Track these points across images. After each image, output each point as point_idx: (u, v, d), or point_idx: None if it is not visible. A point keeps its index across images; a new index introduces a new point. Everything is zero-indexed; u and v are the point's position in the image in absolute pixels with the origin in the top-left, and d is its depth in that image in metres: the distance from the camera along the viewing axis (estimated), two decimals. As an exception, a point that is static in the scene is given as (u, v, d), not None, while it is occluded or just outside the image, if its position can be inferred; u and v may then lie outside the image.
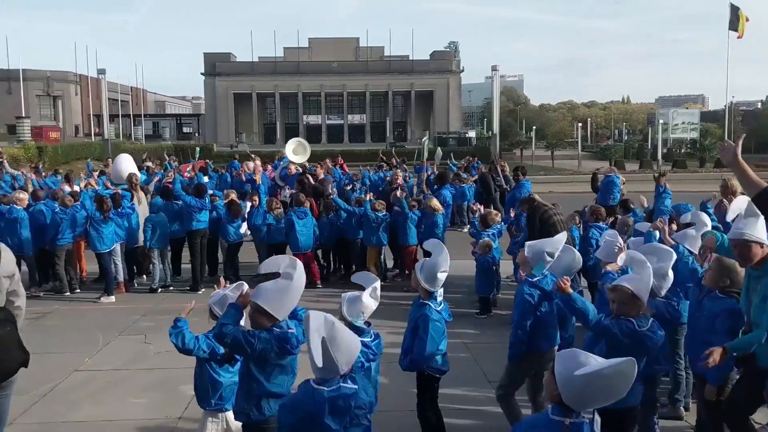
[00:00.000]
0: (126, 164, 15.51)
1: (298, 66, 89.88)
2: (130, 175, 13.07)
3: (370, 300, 4.80)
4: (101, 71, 49.19)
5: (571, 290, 4.80)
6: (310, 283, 11.35)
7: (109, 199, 11.45)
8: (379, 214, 11.93)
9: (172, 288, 12.12)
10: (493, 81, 41.46)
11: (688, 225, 6.45)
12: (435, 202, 11.94)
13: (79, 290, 11.92)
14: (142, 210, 12.64)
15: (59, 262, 11.69)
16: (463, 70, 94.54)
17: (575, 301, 4.76)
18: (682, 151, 66.46)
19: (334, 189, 16.53)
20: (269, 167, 21.40)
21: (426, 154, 15.97)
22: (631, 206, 10.49)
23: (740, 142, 4.47)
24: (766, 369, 4.36)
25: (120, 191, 12.42)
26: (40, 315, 10.38)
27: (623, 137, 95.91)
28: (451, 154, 29.03)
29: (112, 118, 72.94)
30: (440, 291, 5.46)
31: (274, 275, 4.38)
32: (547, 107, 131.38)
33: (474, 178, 21.18)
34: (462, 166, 24.39)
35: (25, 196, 12.10)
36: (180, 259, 12.80)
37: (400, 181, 14.04)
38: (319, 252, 13.00)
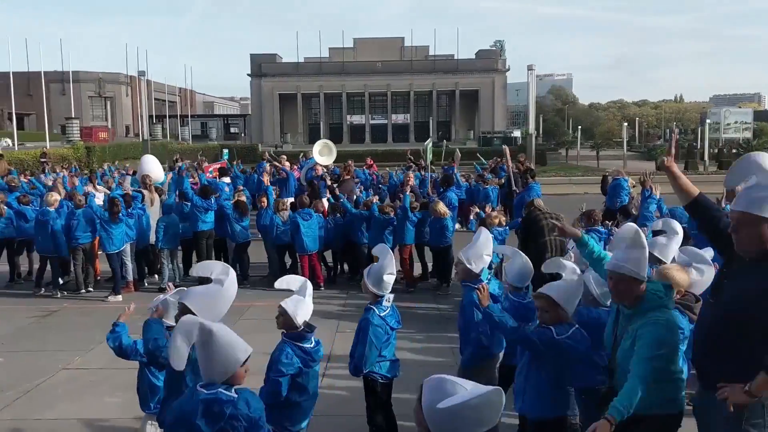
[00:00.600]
0: (150, 165, 15.81)
1: (343, 66, 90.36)
2: (143, 176, 13.35)
3: (390, 277, 5.27)
4: (141, 73, 50.43)
5: (488, 302, 4.73)
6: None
7: (119, 201, 11.70)
8: (385, 217, 11.93)
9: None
10: (529, 80, 41.01)
11: (660, 232, 6.28)
12: (441, 207, 11.85)
13: (92, 289, 12.23)
14: (155, 210, 12.89)
15: (76, 261, 12.02)
16: (508, 69, 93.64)
17: (492, 312, 4.69)
18: (733, 151, 64.57)
19: (357, 190, 16.62)
20: (295, 168, 21.62)
21: (430, 157, 15.86)
22: (633, 212, 10.24)
23: (673, 143, 4.33)
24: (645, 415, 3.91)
25: (131, 192, 12.70)
26: (47, 313, 10.69)
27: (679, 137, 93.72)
28: (478, 154, 28.75)
29: (160, 118, 74.64)
30: (389, 297, 5.44)
31: (207, 280, 4.46)
32: (596, 106, 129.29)
33: (501, 180, 20.96)
34: (489, 167, 24.19)
35: (55, 198, 12.37)
36: (191, 259, 13.02)
37: (411, 182, 13.98)
38: (328, 253, 13.07)
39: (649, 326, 3.82)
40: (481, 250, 5.47)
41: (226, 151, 23.01)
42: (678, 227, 6.19)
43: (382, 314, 5.32)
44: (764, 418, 3.60)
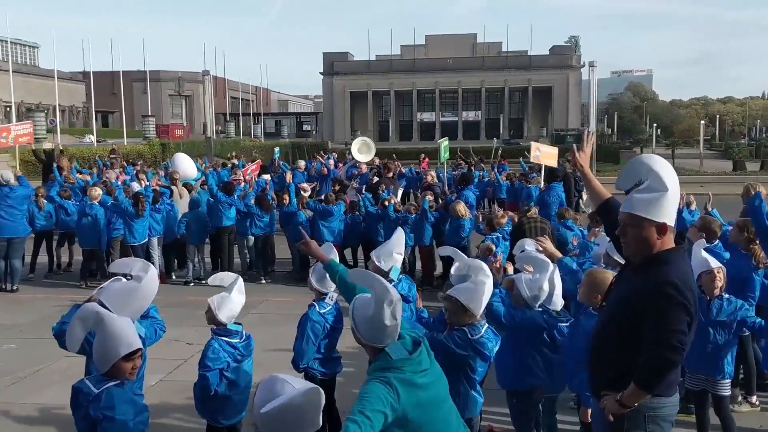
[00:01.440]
0: (181, 163, 16.34)
1: (414, 63, 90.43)
2: (171, 173, 13.83)
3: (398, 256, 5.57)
4: (205, 72, 51.82)
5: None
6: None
7: (143, 196, 12.14)
8: (399, 215, 11.95)
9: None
10: (591, 77, 39.93)
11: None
12: (461, 207, 11.75)
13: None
14: (183, 205, 13.32)
15: (113, 252, 12.55)
16: (583, 65, 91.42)
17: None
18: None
19: (399, 188, 16.68)
20: (340, 165, 21.88)
21: (446, 155, 15.68)
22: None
23: (586, 142, 4.22)
24: None
25: (159, 188, 13.16)
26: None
27: (761, 135, 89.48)
28: (526, 152, 28.23)
29: (233, 116, 76.61)
30: (333, 295, 5.50)
31: (125, 276, 4.61)
32: (678, 103, 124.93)
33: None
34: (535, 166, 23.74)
35: (98, 193, 12.88)
36: (219, 253, 13.37)
37: (430, 180, 13.90)
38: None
39: None
40: (391, 249, 5.55)
41: (277, 149, 23.39)
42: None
43: (322, 311, 5.38)
44: (645, 429, 3.50)
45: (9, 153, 34.37)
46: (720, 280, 5.41)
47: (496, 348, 4.48)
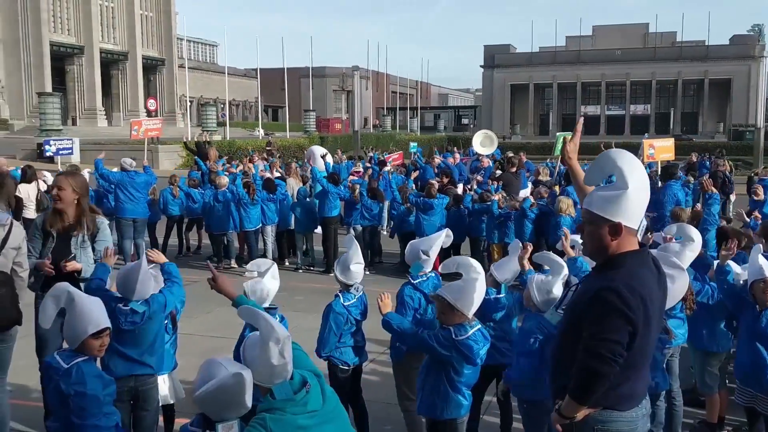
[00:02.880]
0: (315, 154, 16.88)
1: (579, 55, 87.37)
2: (288, 165, 14.37)
3: (357, 266, 5.44)
4: (355, 68, 53.16)
5: (388, 309, 4.60)
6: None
7: (254, 184, 12.74)
8: (502, 211, 11.67)
9: (313, 269, 13.15)
10: (762, 67, 36.42)
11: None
12: (563, 203, 11.24)
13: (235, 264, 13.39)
14: (298, 196, 13.83)
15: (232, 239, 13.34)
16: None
17: (391, 320, 4.55)
18: None
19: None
20: (466, 158, 21.68)
21: (559, 148, 14.88)
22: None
23: (577, 132, 3.94)
24: None
25: (273, 178, 13.74)
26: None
27: None
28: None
29: (390, 111, 78.11)
30: (359, 287, 5.51)
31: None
32: None
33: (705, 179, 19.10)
34: (691, 162, 22.10)
35: (225, 181, 13.66)
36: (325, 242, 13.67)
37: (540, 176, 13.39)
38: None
39: None
40: (418, 246, 5.42)
41: (414, 144, 23.61)
42: (695, 234, 5.46)
43: (346, 303, 5.40)
44: None
45: (174, 144, 37.31)
46: None
47: (483, 351, 4.27)
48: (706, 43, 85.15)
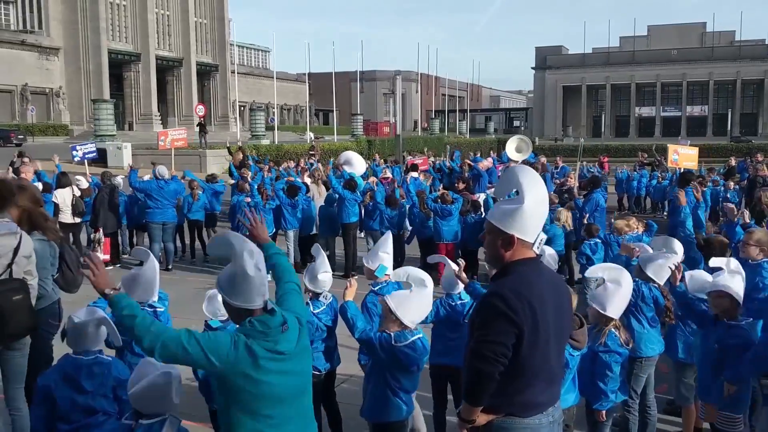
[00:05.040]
0: (351, 159, 17.03)
1: (633, 56, 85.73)
2: (314, 170, 14.66)
3: (324, 275, 5.60)
4: (397, 72, 53.30)
5: (351, 297, 4.76)
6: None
7: (265, 189, 13.13)
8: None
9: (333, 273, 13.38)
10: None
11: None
12: (561, 214, 11.24)
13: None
14: (320, 202, 14.12)
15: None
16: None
17: (348, 308, 4.71)
18: None
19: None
20: (498, 166, 21.62)
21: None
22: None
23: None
24: None
25: (294, 183, 14.03)
26: (210, 286, 12.41)
27: None
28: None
29: (438, 113, 78.03)
30: (327, 295, 5.70)
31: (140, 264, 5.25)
32: None
33: (743, 182, 18.62)
34: (730, 165, 21.57)
35: (247, 187, 14.13)
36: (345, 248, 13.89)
37: (570, 183, 13.34)
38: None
39: None
40: (377, 249, 5.62)
41: (448, 146, 23.71)
42: (678, 247, 5.49)
43: (315, 311, 5.59)
44: None
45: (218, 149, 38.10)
46: None
47: (422, 360, 4.43)
48: (767, 42, 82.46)
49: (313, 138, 54.18)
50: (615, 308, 4.84)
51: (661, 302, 5.42)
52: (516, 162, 18.60)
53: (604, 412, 4.84)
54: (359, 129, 59.05)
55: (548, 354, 3.32)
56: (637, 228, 8.70)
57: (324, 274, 5.60)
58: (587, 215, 11.71)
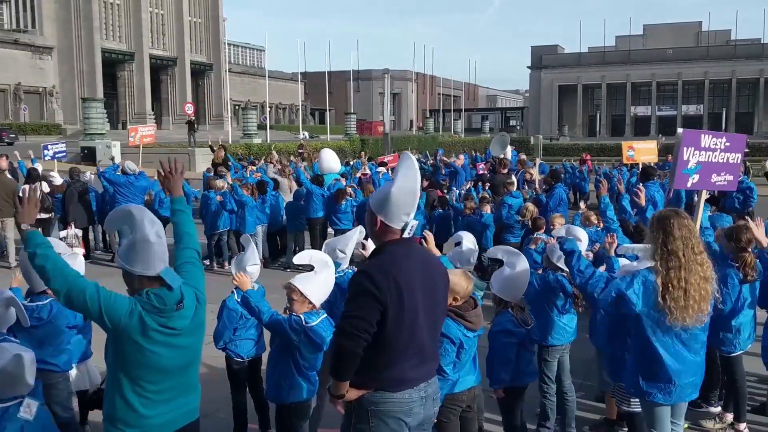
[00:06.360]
0: (325, 158, 17.15)
1: (629, 55, 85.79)
2: (283, 165, 14.77)
3: (253, 267, 5.52)
4: (386, 71, 53.35)
5: (247, 287, 4.85)
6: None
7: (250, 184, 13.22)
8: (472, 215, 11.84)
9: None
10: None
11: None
12: (528, 209, 11.31)
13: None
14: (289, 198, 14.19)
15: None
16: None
17: (249, 297, 4.80)
18: None
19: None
20: (480, 165, 21.76)
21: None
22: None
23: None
24: None
25: (264, 179, 14.12)
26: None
27: None
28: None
29: (432, 113, 78.07)
30: (254, 285, 5.76)
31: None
32: None
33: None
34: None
35: (221, 185, 14.13)
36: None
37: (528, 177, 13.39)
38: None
39: None
40: (335, 244, 5.74)
41: (440, 150, 23.94)
42: (582, 234, 5.57)
43: (239, 299, 5.68)
44: (369, 424, 3.43)
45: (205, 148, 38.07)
46: None
47: (329, 337, 4.52)
48: (762, 41, 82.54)
49: (308, 137, 54.32)
50: (508, 291, 4.93)
51: (568, 290, 5.50)
52: (502, 157, 18.72)
53: (500, 390, 4.93)
54: (353, 128, 59.09)
55: (416, 331, 3.40)
56: (597, 224, 8.76)
57: (253, 266, 5.66)
58: (551, 210, 11.78)
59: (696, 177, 6.35)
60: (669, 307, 4.05)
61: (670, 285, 4.06)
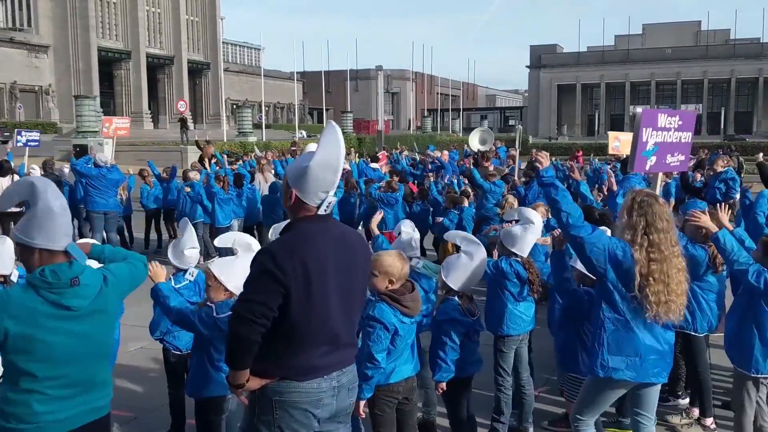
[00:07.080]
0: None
1: (628, 54, 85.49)
2: (258, 159, 14.48)
3: (191, 251, 5.38)
4: (379, 67, 53.14)
5: (161, 279, 4.51)
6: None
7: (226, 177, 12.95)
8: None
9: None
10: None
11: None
12: (510, 202, 11.04)
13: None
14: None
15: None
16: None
17: (159, 290, 4.43)
18: None
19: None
20: (466, 160, 21.54)
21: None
22: None
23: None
24: None
25: (240, 172, 13.83)
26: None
27: None
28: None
29: (430, 112, 77.91)
30: (193, 271, 5.48)
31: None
32: None
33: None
34: (700, 158, 21.32)
35: (193, 175, 13.91)
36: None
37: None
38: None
39: None
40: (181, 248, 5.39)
41: (431, 146, 23.77)
42: (535, 217, 5.29)
43: (177, 286, 5.39)
44: (273, 416, 3.14)
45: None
46: None
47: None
48: (761, 41, 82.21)
49: (305, 136, 54.09)
50: (460, 281, 4.64)
51: (523, 275, 5.21)
52: (485, 150, 18.45)
53: (443, 384, 4.63)
54: (349, 127, 58.89)
55: (328, 315, 3.13)
56: (546, 215, 8.49)
57: (191, 250, 5.40)
58: (530, 203, 11.52)
59: (654, 159, 6.11)
60: (650, 302, 3.88)
61: (651, 277, 3.89)
